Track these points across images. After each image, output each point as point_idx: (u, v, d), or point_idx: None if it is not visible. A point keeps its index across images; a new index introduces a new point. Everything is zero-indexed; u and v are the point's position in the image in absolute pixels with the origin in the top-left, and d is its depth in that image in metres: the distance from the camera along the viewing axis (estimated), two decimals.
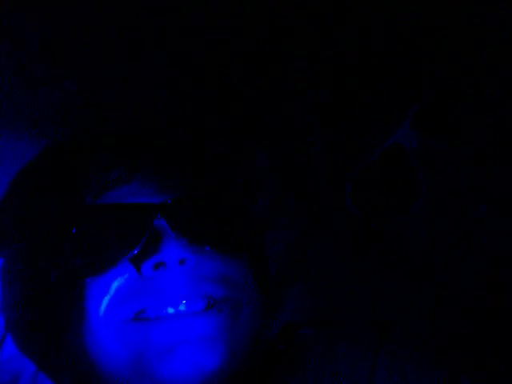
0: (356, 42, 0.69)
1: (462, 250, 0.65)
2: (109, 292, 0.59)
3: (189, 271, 0.60)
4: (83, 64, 0.69)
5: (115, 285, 0.60)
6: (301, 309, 0.72)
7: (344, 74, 0.69)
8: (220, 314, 0.60)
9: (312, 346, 0.68)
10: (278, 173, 0.77)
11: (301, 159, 0.73)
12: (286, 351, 0.69)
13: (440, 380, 0.62)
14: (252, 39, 0.71)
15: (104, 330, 0.59)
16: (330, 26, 0.68)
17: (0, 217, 0.79)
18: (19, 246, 0.76)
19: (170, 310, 0.59)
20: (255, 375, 0.65)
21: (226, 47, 0.70)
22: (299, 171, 0.74)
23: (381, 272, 0.71)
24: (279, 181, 0.77)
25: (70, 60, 0.68)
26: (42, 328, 0.69)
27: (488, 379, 0.64)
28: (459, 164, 0.63)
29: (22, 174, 0.78)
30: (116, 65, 0.71)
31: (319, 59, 0.71)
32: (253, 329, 0.62)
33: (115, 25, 0.64)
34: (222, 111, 0.79)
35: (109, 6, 0.63)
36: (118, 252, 0.60)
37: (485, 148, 0.63)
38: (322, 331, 0.70)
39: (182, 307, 0.60)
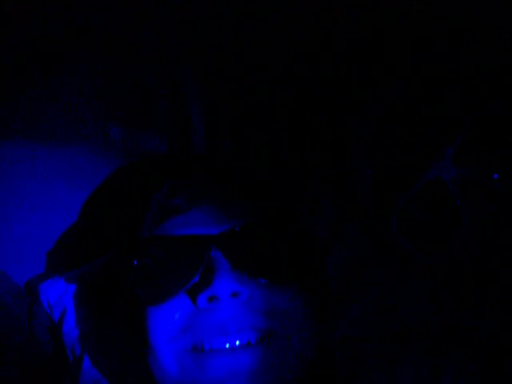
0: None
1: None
2: (170, 323, 0.62)
3: (241, 304, 0.61)
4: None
5: (175, 316, 0.62)
6: (360, 325, 0.71)
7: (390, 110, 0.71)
8: (269, 348, 0.61)
9: (369, 361, 0.67)
10: (334, 201, 0.79)
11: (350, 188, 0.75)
12: (343, 366, 0.68)
13: None
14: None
15: (166, 358, 0.62)
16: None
17: (70, 241, 0.83)
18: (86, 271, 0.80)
19: (223, 342, 0.60)
20: None
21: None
22: (352, 200, 0.75)
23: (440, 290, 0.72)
24: (336, 209, 0.79)
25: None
26: (111, 349, 0.73)
27: None
28: (500, 198, 0.64)
29: (90, 200, 0.81)
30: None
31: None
32: (301, 360, 0.63)
33: None
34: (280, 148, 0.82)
35: None
36: (176, 283, 0.62)
37: None
38: (381, 347, 0.69)
39: (233, 339, 0.61)
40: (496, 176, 0.64)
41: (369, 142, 0.73)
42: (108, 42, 0.72)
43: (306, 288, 0.66)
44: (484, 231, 0.64)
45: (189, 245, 0.62)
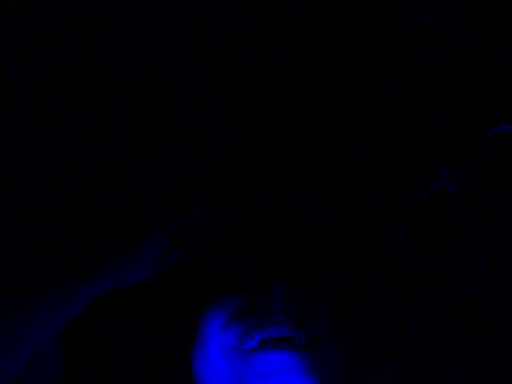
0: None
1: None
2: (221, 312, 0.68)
3: (291, 303, 0.67)
4: None
5: (228, 308, 0.68)
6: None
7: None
8: (307, 352, 0.65)
9: None
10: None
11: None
12: None
13: None
14: None
15: (214, 352, 0.67)
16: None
17: None
18: None
19: (270, 330, 0.65)
20: None
21: None
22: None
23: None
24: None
25: None
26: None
27: None
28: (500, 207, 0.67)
29: None
30: None
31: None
32: (335, 371, 0.66)
33: None
34: None
35: None
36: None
37: None
38: None
39: (280, 329, 0.65)
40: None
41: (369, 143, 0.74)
42: (108, 43, 0.72)
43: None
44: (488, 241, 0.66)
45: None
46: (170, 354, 0.73)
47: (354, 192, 0.79)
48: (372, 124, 0.77)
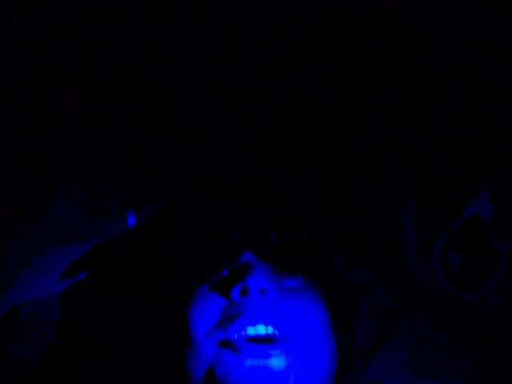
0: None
1: None
2: (207, 317, 0.67)
3: (269, 302, 0.66)
4: None
5: (212, 311, 0.68)
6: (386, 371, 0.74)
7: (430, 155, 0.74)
8: (285, 352, 0.64)
9: None
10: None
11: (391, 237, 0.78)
12: None
13: None
14: None
15: (205, 351, 0.66)
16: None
17: None
18: None
19: (250, 331, 0.65)
20: None
21: None
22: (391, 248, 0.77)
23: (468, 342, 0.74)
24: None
25: None
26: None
27: None
28: None
29: None
30: None
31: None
32: (319, 371, 0.66)
33: None
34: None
35: None
36: (206, 273, 0.69)
37: None
38: None
39: (255, 331, 0.65)
40: None
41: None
42: (108, 43, 0.72)
43: (330, 305, 0.70)
44: None
45: (225, 245, 0.70)
46: (161, 351, 0.74)
47: (354, 192, 0.79)
48: (372, 124, 0.77)
